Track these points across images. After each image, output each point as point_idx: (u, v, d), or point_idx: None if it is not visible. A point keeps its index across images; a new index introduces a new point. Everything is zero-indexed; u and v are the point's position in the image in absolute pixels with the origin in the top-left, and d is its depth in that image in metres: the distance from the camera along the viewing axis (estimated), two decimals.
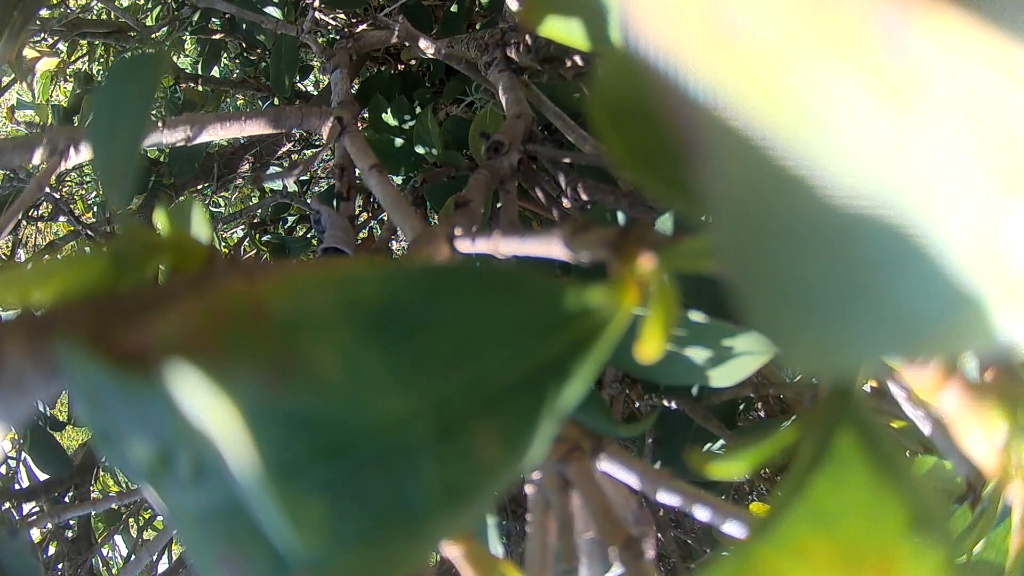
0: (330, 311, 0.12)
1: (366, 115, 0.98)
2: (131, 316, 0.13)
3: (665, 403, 0.59)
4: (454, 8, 1.10)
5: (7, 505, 0.96)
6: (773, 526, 0.11)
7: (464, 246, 0.27)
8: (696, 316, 0.27)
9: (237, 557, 0.13)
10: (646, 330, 0.15)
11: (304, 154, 1.52)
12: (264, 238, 1.48)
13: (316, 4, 0.97)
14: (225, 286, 0.13)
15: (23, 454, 1.04)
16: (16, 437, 1.05)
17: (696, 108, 0.08)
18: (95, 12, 1.55)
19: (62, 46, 1.50)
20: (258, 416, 0.11)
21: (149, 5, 1.56)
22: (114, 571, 1.32)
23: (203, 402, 0.11)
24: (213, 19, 1.39)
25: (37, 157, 0.46)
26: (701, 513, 0.26)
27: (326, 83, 1.32)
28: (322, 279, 0.13)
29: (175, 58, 1.62)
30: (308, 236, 1.42)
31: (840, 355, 0.10)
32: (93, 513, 1.14)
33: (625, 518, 0.25)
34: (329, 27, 1.13)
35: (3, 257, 1.49)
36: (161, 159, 1.31)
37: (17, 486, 1.06)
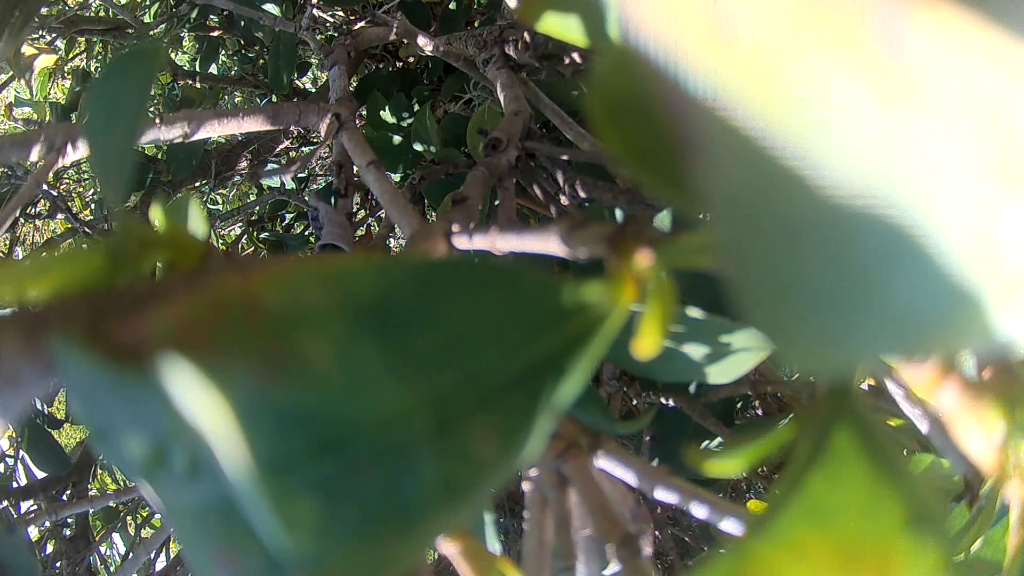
0: (325, 306, 0.12)
1: (364, 112, 0.98)
2: (127, 311, 0.13)
3: (663, 400, 0.59)
4: (453, 5, 1.10)
5: (5, 503, 0.96)
6: (770, 523, 0.11)
7: (461, 243, 0.27)
8: (694, 312, 0.27)
9: (232, 553, 0.13)
10: (643, 326, 0.15)
11: (302, 151, 1.52)
12: (262, 235, 1.48)
13: (314, 1, 0.97)
14: (220, 281, 0.13)
15: (21, 452, 1.04)
16: (14, 434, 1.05)
17: (694, 105, 0.08)
18: (93, 9, 1.55)
19: (60, 43, 1.50)
20: (251, 412, 0.11)
21: (147, 2, 1.55)
22: (112, 569, 1.32)
23: (196, 397, 0.11)
24: (211, 16, 1.38)
25: (35, 154, 0.45)
26: (698, 510, 0.26)
27: (324, 80, 1.32)
28: (317, 274, 0.13)
29: (173, 55, 1.62)
30: (306, 233, 1.42)
31: (837, 352, 0.10)
32: (91, 511, 1.14)
33: (622, 515, 0.25)
34: (327, 24, 1.13)
35: (1, 255, 1.49)
36: (159, 156, 1.31)
37: (15, 484, 1.06)
